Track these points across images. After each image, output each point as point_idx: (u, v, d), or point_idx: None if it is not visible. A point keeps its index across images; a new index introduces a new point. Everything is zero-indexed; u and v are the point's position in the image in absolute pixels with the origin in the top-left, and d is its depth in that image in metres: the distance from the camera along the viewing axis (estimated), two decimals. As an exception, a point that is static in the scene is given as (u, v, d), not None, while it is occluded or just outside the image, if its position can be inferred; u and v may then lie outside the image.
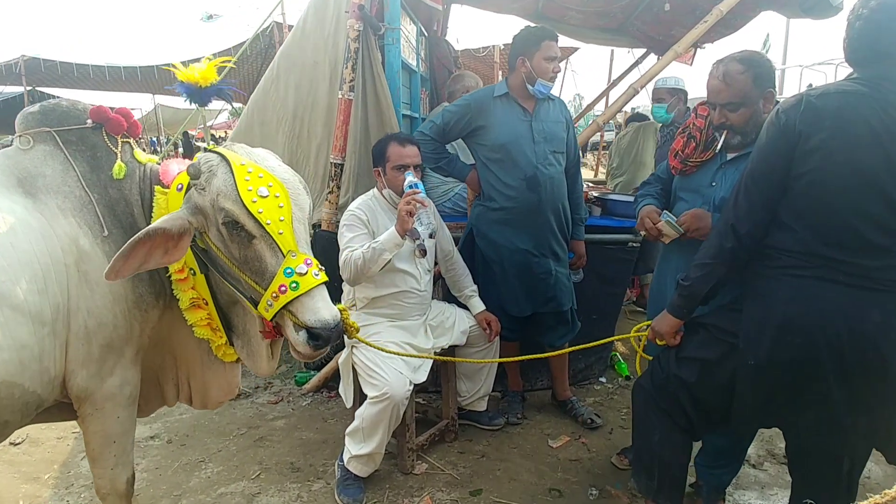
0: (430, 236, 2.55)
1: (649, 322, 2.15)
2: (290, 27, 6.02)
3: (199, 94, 1.86)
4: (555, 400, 3.27)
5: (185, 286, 1.83)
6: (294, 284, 1.59)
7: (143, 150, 2.05)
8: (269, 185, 1.63)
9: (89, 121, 1.82)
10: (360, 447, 2.40)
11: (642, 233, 2.28)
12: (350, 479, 2.45)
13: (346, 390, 2.63)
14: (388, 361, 2.38)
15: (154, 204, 1.82)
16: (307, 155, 3.50)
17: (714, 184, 2.13)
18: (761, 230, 1.75)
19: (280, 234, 1.61)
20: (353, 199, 3.17)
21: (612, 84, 6.63)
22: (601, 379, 3.67)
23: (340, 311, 1.70)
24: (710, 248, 1.85)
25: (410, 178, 2.41)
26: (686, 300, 1.92)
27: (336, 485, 2.48)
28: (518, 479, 2.63)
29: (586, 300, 3.10)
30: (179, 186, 1.77)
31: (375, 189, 2.65)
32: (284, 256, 1.61)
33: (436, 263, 2.83)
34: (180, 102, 14.47)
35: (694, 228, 2.09)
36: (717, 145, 2.08)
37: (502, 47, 6.85)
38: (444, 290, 3.09)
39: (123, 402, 1.81)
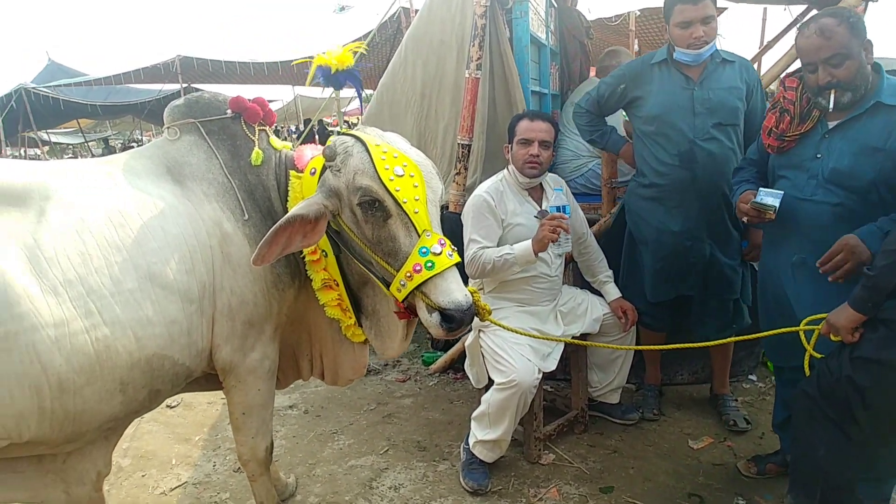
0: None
1: (823, 315, 1.87)
2: (417, 11, 6.07)
3: (335, 78, 1.89)
4: (710, 393, 3.00)
5: (318, 267, 1.88)
6: (429, 264, 1.57)
7: (285, 138, 2.12)
8: (403, 164, 1.63)
9: (229, 111, 1.91)
10: (485, 433, 2.36)
11: (744, 220, 2.09)
12: (475, 464, 2.42)
13: (473, 373, 2.60)
14: (516, 348, 2.30)
15: (289, 188, 1.88)
16: (434, 136, 3.48)
17: (819, 155, 1.94)
18: None
19: (416, 213, 1.60)
20: (479, 181, 3.12)
21: (766, 47, 5.91)
22: (751, 377, 3.33)
23: (471, 293, 1.65)
24: None
25: (560, 198, 2.33)
26: (871, 292, 1.64)
27: (461, 468, 2.47)
28: (654, 479, 2.45)
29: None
30: (313, 171, 1.81)
31: (505, 170, 2.56)
32: (419, 236, 1.60)
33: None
34: (318, 92, 15.35)
35: (841, 262, 1.75)
36: (827, 106, 1.87)
37: (638, 13, 6.40)
38: (574, 275, 2.94)
39: (263, 375, 1.91)
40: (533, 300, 2.51)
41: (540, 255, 2.44)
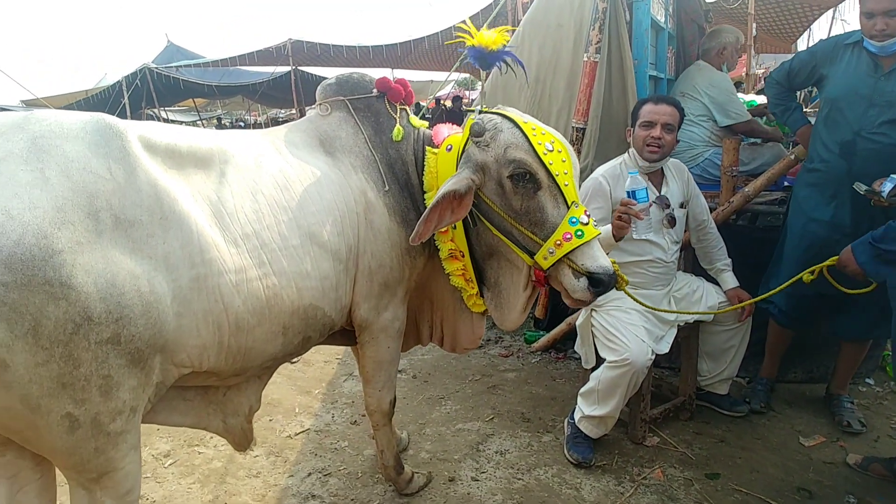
0: (671, 221, 2.46)
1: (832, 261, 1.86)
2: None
3: (487, 58, 1.93)
4: (827, 392, 2.90)
5: (445, 238, 2.00)
6: (579, 233, 1.66)
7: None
8: (551, 141, 1.71)
9: (375, 90, 2.06)
10: (593, 408, 2.42)
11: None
12: (580, 438, 2.49)
13: (583, 352, 2.66)
14: (631, 328, 2.34)
15: (425, 163, 2.01)
16: (547, 119, 3.51)
17: None
18: None
19: (566, 185, 1.69)
20: (591, 165, 3.14)
21: None
22: (868, 380, 3.18)
23: (612, 262, 1.73)
24: None
25: (633, 182, 2.23)
26: None
27: (565, 440, 2.55)
28: (761, 471, 2.43)
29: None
30: (448, 147, 1.92)
31: (626, 154, 2.58)
32: (568, 207, 1.69)
33: (685, 231, 2.68)
34: (415, 75, 15.62)
35: None
36: None
37: (758, -4, 6.08)
38: (686, 262, 2.92)
39: (393, 334, 2.07)
40: (647, 284, 2.52)
41: (655, 240, 2.46)
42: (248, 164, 1.74)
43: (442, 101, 13.28)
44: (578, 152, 3.18)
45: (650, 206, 2.38)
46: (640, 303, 2.17)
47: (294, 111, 14.48)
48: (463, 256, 2.03)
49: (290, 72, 12.21)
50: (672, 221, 2.47)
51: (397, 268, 1.99)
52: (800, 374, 3.10)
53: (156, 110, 14.73)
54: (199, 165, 1.64)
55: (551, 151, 1.70)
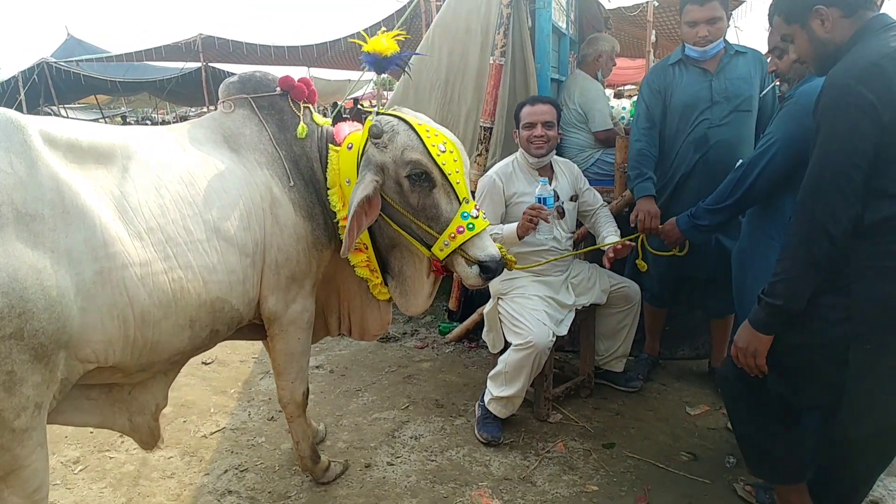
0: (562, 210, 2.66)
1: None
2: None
3: (381, 64, 2.03)
4: (710, 367, 3.18)
5: None
6: (470, 226, 1.82)
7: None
8: (444, 142, 1.85)
9: (278, 89, 2.11)
10: (501, 390, 2.57)
11: None
12: (489, 419, 2.64)
13: (490, 338, 2.81)
14: (533, 313, 2.52)
15: (329, 160, 2.08)
16: (457, 119, 3.66)
17: None
18: (857, 221, 1.56)
19: (457, 183, 1.83)
20: (498, 161, 3.32)
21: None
22: (747, 355, 3.53)
23: (499, 248, 1.90)
24: (798, 258, 1.61)
25: (543, 190, 2.42)
26: (777, 318, 1.68)
27: (476, 422, 2.69)
28: (652, 438, 2.66)
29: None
30: (349, 146, 2.01)
31: (518, 153, 2.76)
32: (460, 203, 1.83)
33: (580, 226, 2.89)
34: (331, 74, 15.51)
35: None
36: None
37: (656, 4, 6.53)
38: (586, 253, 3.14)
39: (303, 325, 2.13)
40: (546, 271, 2.70)
41: (554, 232, 2.66)
42: (152, 159, 1.75)
43: (360, 101, 13.28)
44: (486, 150, 3.34)
45: (554, 211, 2.56)
46: (523, 268, 2.38)
47: (206, 109, 14.01)
48: (367, 249, 2.12)
49: (200, 68, 11.83)
50: (562, 213, 2.67)
51: (304, 261, 2.05)
52: (686, 352, 3.40)
53: (55, 107, 13.84)
54: (101, 161, 1.64)
55: (444, 152, 1.83)
